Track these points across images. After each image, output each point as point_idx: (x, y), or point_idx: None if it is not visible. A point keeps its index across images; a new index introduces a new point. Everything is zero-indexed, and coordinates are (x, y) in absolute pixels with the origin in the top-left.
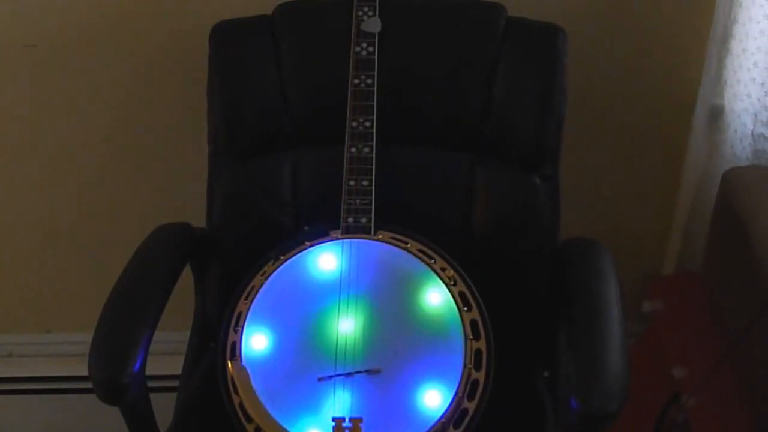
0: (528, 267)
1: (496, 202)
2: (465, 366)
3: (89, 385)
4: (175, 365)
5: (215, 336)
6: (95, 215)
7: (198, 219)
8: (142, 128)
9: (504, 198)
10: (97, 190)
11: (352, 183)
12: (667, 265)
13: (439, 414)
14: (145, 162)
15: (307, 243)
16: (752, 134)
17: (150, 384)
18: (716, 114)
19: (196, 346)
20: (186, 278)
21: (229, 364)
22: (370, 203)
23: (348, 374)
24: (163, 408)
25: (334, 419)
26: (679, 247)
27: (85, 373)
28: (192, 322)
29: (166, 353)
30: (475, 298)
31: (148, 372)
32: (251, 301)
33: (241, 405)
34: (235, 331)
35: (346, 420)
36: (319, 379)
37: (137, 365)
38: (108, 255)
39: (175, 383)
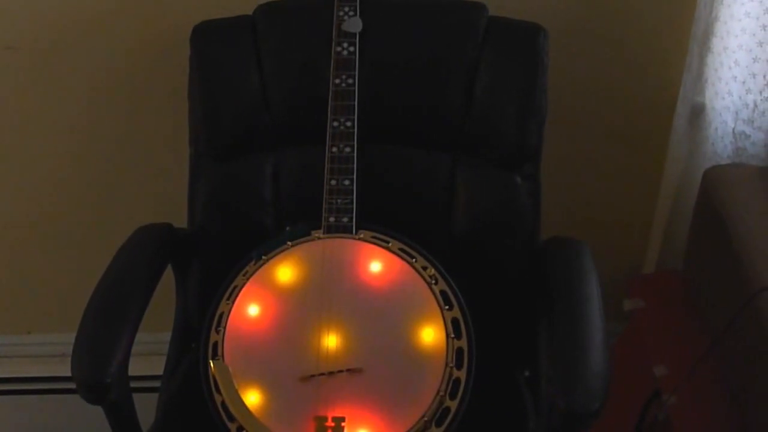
0: (509, 266)
1: (477, 201)
2: (446, 364)
3: (71, 385)
4: (156, 365)
5: (197, 336)
6: (76, 215)
7: (180, 219)
8: (124, 129)
9: (485, 197)
10: (78, 190)
11: (333, 182)
12: (648, 264)
13: (422, 412)
14: (127, 162)
15: (289, 243)
16: (733, 132)
17: (132, 384)
18: (697, 112)
19: (178, 346)
20: (168, 279)
21: (211, 364)
22: (352, 202)
23: (330, 373)
24: (145, 408)
25: (316, 418)
26: (660, 245)
27: (66, 373)
28: (173, 323)
29: (147, 354)
30: (456, 296)
31: (131, 372)
32: (233, 302)
33: (223, 404)
34: (217, 332)
35: (329, 419)
36: (301, 379)
37: (120, 365)
38: (89, 255)
39: (157, 383)
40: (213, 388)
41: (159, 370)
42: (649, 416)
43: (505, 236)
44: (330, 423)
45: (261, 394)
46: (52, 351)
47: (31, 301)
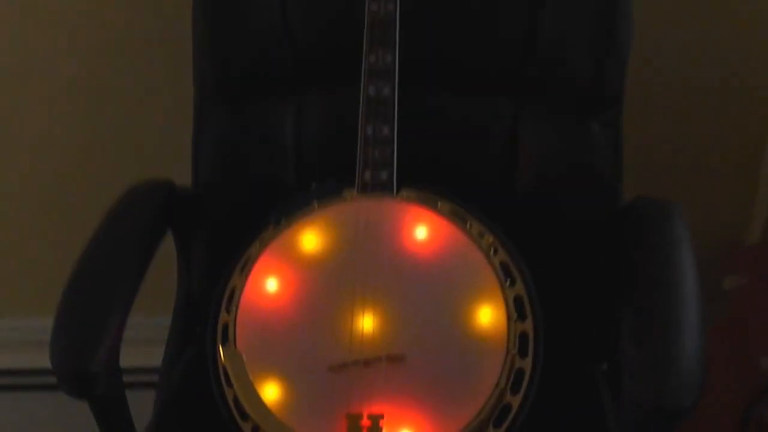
0: (584, 233)
1: (545, 155)
2: (507, 352)
3: (50, 380)
4: (153, 356)
5: (203, 319)
6: (54, 175)
7: (181, 176)
8: (113, 69)
9: (554, 149)
10: (56, 145)
11: (369, 131)
12: (753, 233)
13: (477, 409)
14: (115, 109)
15: (315, 204)
16: None
17: (125, 379)
18: None
19: (180, 331)
20: (167, 249)
21: (221, 351)
22: (392, 155)
23: (366, 362)
24: (141, 407)
25: (348, 416)
26: (766, 212)
27: (44, 364)
28: (174, 303)
29: (143, 341)
30: (519, 270)
31: (123, 364)
32: (247, 276)
33: (235, 400)
34: (228, 312)
35: (364, 416)
36: (331, 368)
37: (109, 351)
38: (72, 223)
39: (154, 377)
40: (223, 381)
41: (157, 362)
42: (755, 415)
43: (579, 197)
44: (365, 421)
45: (281, 388)
46: (27, 338)
47: (1, 280)
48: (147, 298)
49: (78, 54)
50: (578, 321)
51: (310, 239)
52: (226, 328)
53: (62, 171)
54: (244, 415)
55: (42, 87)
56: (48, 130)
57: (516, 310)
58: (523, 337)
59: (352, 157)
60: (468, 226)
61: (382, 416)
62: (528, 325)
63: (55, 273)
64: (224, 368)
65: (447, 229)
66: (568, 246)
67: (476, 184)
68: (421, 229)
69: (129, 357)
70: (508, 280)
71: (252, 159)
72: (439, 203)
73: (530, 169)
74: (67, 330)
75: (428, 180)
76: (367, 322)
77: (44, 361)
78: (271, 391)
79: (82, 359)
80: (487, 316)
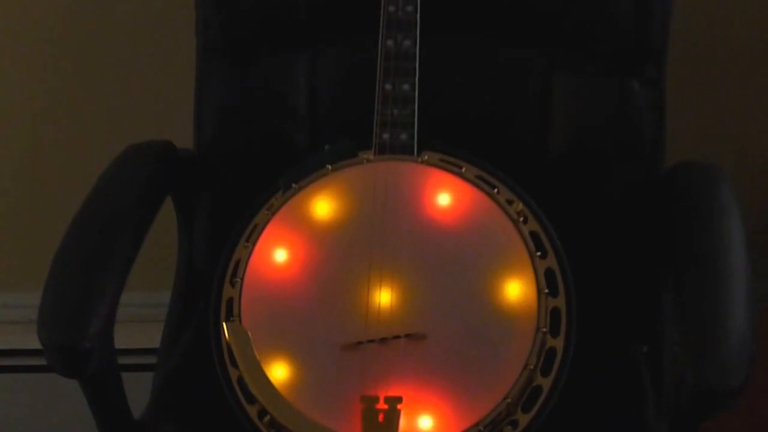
0: (622, 201)
1: (581, 114)
2: (538, 329)
3: (39, 360)
4: (152, 335)
5: (205, 293)
6: (44, 137)
7: (182, 137)
8: (101, 15)
9: (591, 108)
10: (41, 106)
11: (388, 87)
12: None
13: (504, 392)
14: (105, 62)
15: (329, 167)
16: None
17: (120, 361)
18: None
19: (180, 307)
20: (167, 216)
21: (225, 328)
22: (413, 114)
23: (383, 340)
24: (137, 390)
25: (363, 398)
26: None
27: (32, 345)
28: (174, 277)
29: (140, 320)
30: (551, 240)
31: (118, 345)
32: (253, 245)
33: (240, 381)
34: (233, 285)
35: (380, 400)
36: (345, 347)
37: (103, 326)
38: (63, 189)
39: (152, 359)
40: (227, 360)
41: (155, 342)
42: None
43: (617, 161)
44: (382, 405)
45: (291, 367)
46: (14, 316)
47: None
48: (144, 271)
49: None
50: (615, 297)
51: (323, 206)
52: (230, 302)
53: (49, 134)
54: (250, 398)
55: (27, 41)
56: (33, 89)
57: (547, 285)
58: (554, 313)
59: (370, 117)
60: (495, 192)
61: (400, 399)
62: (560, 301)
63: (41, 245)
64: (228, 347)
65: (472, 195)
66: (604, 215)
67: (504, 148)
68: (444, 196)
69: (124, 337)
70: (539, 251)
71: (260, 118)
72: (463, 167)
73: (564, 132)
74: (56, 301)
75: (452, 142)
76: (384, 297)
77: (32, 340)
78: (279, 372)
79: (73, 333)
80: (516, 290)
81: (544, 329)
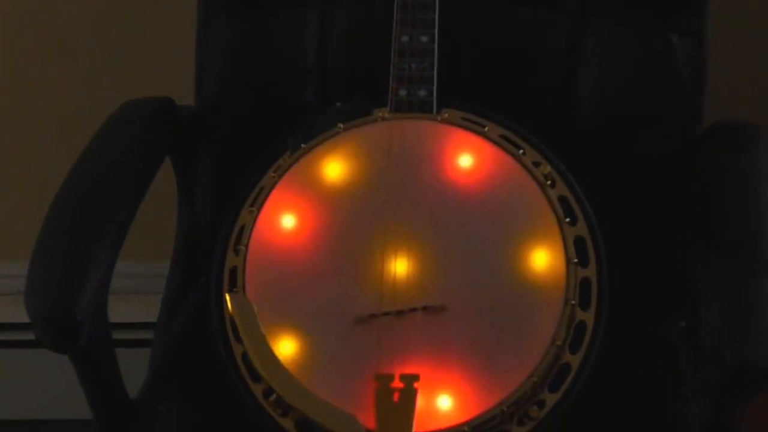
0: (657, 164)
1: (613, 69)
2: (566, 302)
3: (27, 335)
4: (149, 309)
5: (207, 262)
6: (31, 91)
7: (182, 94)
8: None
9: (624, 62)
10: (34, 50)
11: (405, 39)
12: None
13: (529, 370)
14: (103, 14)
15: (340, 126)
16: None
17: (115, 336)
18: None
19: (179, 278)
20: (166, 179)
21: (228, 299)
22: (432, 68)
23: (398, 313)
24: (133, 368)
25: (377, 377)
26: None
27: (20, 319)
28: (174, 245)
29: (136, 291)
30: (581, 205)
31: (112, 319)
32: (259, 210)
33: (244, 357)
34: (237, 252)
35: (395, 377)
36: (357, 321)
37: (96, 295)
38: (55, 150)
39: (150, 334)
40: (230, 335)
41: (153, 316)
42: None
43: (652, 121)
44: (397, 383)
45: (299, 343)
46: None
47: None
48: (141, 239)
49: None
50: (650, 268)
51: (334, 168)
52: (234, 272)
53: (38, 88)
54: (255, 376)
55: None
56: (25, 36)
57: (577, 253)
58: (584, 284)
59: (384, 72)
60: (521, 153)
61: (416, 377)
62: (591, 271)
63: (30, 210)
64: (232, 320)
65: (496, 156)
66: (637, 179)
67: (529, 104)
68: (466, 157)
69: (119, 310)
70: (568, 217)
71: (266, 74)
72: (487, 126)
73: (593, 90)
74: (45, 270)
75: (474, 98)
76: (400, 266)
77: (21, 313)
78: (286, 347)
79: (63, 303)
80: (543, 259)
81: (573, 302)
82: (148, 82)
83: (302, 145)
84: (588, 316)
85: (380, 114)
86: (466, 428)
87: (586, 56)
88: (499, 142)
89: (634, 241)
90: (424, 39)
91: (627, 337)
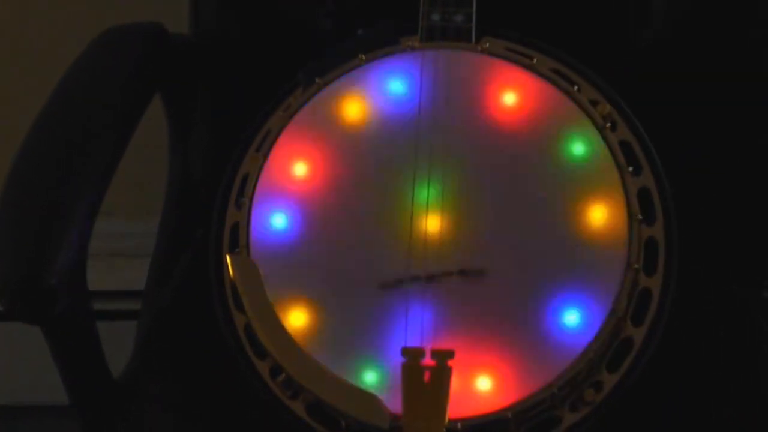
0: (737, 106)
1: None
2: (629, 265)
3: None
4: (136, 275)
5: (204, 218)
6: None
7: (174, 20)
8: None
9: None
10: None
11: None
12: None
13: (582, 344)
14: None
15: (362, 56)
16: None
17: (96, 306)
18: None
19: (171, 236)
20: (154, 122)
21: (229, 261)
22: None
23: (430, 278)
24: (117, 343)
25: (406, 351)
26: None
27: None
28: (164, 199)
29: (119, 254)
30: (647, 152)
31: (92, 287)
32: (267, 155)
33: (248, 329)
34: (239, 206)
35: (426, 353)
36: (382, 286)
37: (73, 258)
38: (27, 82)
39: (136, 304)
40: (231, 303)
41: (140, 283)
42: None
43: (729, 51)
44: (428, 360)
45: (312, 313)
46: None
47: None
48: (126, 194)
49: None
50: (728, 229)
51: (354, 107)
52: (235, 229)
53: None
54: (261, 352)
55: None
56: None
57: (641, 209)
58: (650, 245)
59: None
60: (576, 89)
61: (451, 354)
62: (658, 230)
63: None
64: (233, 285)
65: (546, 93)
66: (715, 122)
67: (584, 31)
68: (510, 94)
69: (101, 276)
70: (631, 166)
71: None
72: (535, 58)
73: (658, 11)
74: (12, 227)
75: (520, 25)
76: (432, 224)
77: None
78: (297, 319)
79: (33, 266)
80: (601, 215)
81: (637, 265)
82: (134, 5)
83: (317, 80)
84: (654, 282)
85: (409, 43)
86: (508, 414)
87: None
88: (550, 77)
89: (710, 193)
90: None
91: (701, 307)
